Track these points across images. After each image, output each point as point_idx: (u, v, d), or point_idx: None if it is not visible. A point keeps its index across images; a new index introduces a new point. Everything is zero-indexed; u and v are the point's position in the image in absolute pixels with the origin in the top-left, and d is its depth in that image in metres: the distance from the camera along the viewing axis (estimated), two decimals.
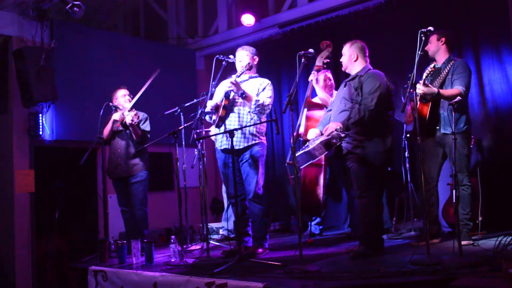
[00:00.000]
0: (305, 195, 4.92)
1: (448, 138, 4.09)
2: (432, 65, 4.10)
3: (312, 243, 4.85)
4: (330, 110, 4.28)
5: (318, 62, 5.25)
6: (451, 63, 4.21)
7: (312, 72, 5.27)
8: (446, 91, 4.08)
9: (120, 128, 5.07)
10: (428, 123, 4.18)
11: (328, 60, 5.33)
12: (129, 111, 4.99)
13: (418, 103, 4.11)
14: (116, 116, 5.02)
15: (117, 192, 5.19)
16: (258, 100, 4.22)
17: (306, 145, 3.99)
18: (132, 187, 5.06)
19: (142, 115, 5.14)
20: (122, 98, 5.16)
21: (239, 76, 4.26)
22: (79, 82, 6.23)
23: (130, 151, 5.06)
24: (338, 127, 3.71)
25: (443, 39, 4.28)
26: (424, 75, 4.09)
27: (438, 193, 4.36)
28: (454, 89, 4.08)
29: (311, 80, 5.23)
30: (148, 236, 4.98)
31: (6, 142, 5.94)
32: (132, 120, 4.81)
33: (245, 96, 4.20)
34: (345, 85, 4.11)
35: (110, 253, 4.67)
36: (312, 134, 4.10)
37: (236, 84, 4.17)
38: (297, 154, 3.74)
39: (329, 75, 5.35)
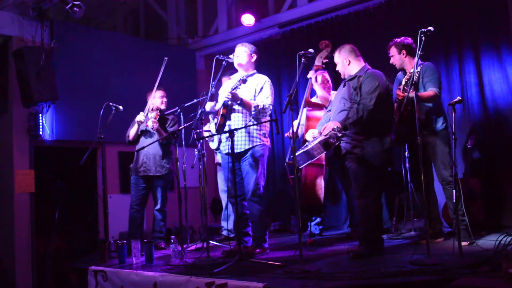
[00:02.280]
0: (306, 195, 4.91)
1: (427, 138, 4.20)
2: (411, 70, 4.14)
3: (312, 243, 4.85)
4: (330, 110, 4.28)
5: (317, 62, 5.25)
6: (419, 68, 4.26)
7: (311, 71, 5.27)
8: (423, 94, 4.15)
9: (149, 128, 5.12)
10: (411, 127, 4.22)
11: (327, 60, 5.33)
12: (152, 109, 5.11)
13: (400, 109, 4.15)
14: (140, 117, 5.07)
15: (134, 189, 5.22)
16: (258, 105, 4.22)
17: (305, 145, 4.00)
18: (155, 189, 5.20)
19: (171, 118, 5.30)
20: (159, 99, 5.27)
21: (234, 88, 4.25)
22: (79, 82, 6.23)
23: (158, 151, 5.13)
24: (336, 127, 3.71)
25: (404, 51, 4.36)
26: (403, 81, 4.19)
27: (435, 192, 4.37)
28: (429, 91, 4.15)
29: (310, 78, 5.22)
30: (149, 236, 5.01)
31: (6, 142, 5.94)
32: (152, 127, 4.93)
33: (243, 104, 4.22)
34: (344, 85, 4.12)
35: (110, 253, 4.67)
36: (310, 134, 4.11)
37: (233, 95, 4.18)
38: (296, 154, 3.74)
39: (327, 76, 5.36)
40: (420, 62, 4.36)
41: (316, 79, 5.26)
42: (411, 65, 4.34)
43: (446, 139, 4.25)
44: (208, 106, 4.40)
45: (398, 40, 4.44)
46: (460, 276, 2.85)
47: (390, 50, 4.47)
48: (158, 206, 5.20)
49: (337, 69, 4.19)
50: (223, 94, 4.33)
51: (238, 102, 4.20)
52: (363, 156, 3.83)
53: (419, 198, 4.90)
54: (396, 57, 4.43)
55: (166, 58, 5.00)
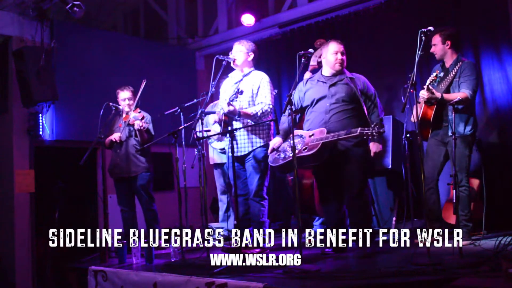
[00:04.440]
0: (301, 195, 4.91)
1: (449, 138, 4.11)
2: (434, 74, 4.09)
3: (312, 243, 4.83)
4: (300, 108, 4.23)
5: (313, 61, 5.22)
6: (458, 65, 4.17)
7: (307, 72, 5.25)
8: (451, 96, 4.05)
9: (123, 137, 5.09)
10: (432, 125, 4.19)
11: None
12: (133, 110, 5.06)
13: (423, 105, 4.11)
14: (115, 136, 5.08)
15: (117, 192, 5.23)
16: (257, 113, 4.21)
17: (302, 146, 3.94)
18: (136, 190, 5.13)
19: (146, 117, 5.16)
20: (123, 102, 5.19)
21: (232, 100, 4.23)
22: (79, 82, 6.22)
23: (131, 150, 5.08)
24: (374, 124, 3.71)
25: (449, 42, 4.23)
26: (428, 81, 4.05)
27: (438, 192, 4.35)
28: (460, 93, 4.05)
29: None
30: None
31: (6, 142, 5.94)
32: (141, 126, 4.84)
33: (242, 116, 4.23)
34: (332, 85, 4.04)
35: (110, 253, 4.67)
36: (276, 141, 4.09)
37: (232, 112, 4.18)
38: (284, 162, 3.80)
39: None
40: (461, 58, 4.28)
41: None
42: (452, 59, 4.25)
43: (469, 143, 4.16)
44: (210, 106, 4.43)
45: (443, 28, 4.28)
46: (460, 276, 2.85)
47: (434, 38, 4.27)
48: (143, 207, 5.16)
49: (343, 57, 4.08)
50: (223, 99, 4.33)
51: (237, 115, 4.22)
52: (363, 154, 3.89)
53: (419, 198, 4.91)
54: (438, 47, 4.27)
55: (145, 80, 5.03)
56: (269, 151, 4.14)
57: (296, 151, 3.71)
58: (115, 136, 5.08)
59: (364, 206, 3.94)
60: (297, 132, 4.01)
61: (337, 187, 4.05)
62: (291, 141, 3.63)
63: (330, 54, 4.08)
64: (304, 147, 3.88)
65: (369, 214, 4.00)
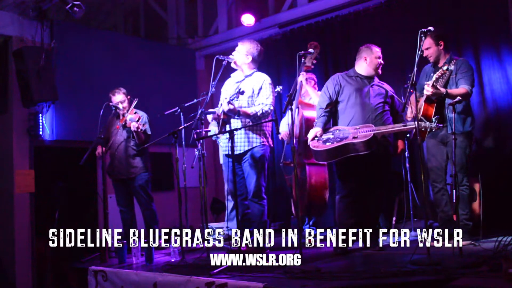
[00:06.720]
0: (311, 194, 4.89)
1: (450, 137, 4.11)
2: (445, 68, 4.06)
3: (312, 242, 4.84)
4: (334, 101, 4.24)
5: (308, 63, 5.25)
6: (453, 63, 4.19)
7: (301, 73, 5.25)
8: (454, 91, 4.07)
9: (133, 129, 5.00)
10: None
11: (315, 61, 5.33)
12: (128, 112, 5.03)
13: (423, 103, 4.11)
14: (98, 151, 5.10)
15: (116, 192, 5.23)
16: (256, 113, 4.20)
17: (342, 135, 4.00)
18: (134, 190, 5.11)
19: (142, 118, 5.13)
20: (120, 105, 5.13)
21: (232, 99, 4.23)
22: (79, 82, 6.22)
23: (130, 152, 5.07)
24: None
25: (442, 43, 4.24)
26: (435, 77, 4.04)
27: (448, 192, 4.33)
28: (461, 88, 4.08)
29: (301, 81, 5.21)
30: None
31: (6, 142, 5.94)
32: (137, 128, 4.81)
33: (242, 116, 4.23)
34: (371, 86, 4.19)
35: (110, 253, 4.67)
36: (318, 130, 4.14)
37: (232, 111, 4.17)
38: (320, 149, 3.89)
39: (314, 77, 5.43)
40: (453, 56, 4.29)
41: (307, 80, 5.28)
42: (445, 58, 4.25)
43: (469, 141, 4.18)
44: (210, 118, 4.45)
45: (432, 29, 4.06)
46: (460, 276, 2.85)
47: (424, 41, 4.12)
48: (142, 208, 5.16)
49: (382, 63, 4.25)
50: (224, 98, 4.32)
51: (237, 115, 4.20)
52: (390, 156, 4.24)
53: (419, 198, 4.91)
54: (433, 49, 4.25)
55: (136, 99, 5.08)
56: (310, 138, 4.16)
57: (344, 141, 3.92)
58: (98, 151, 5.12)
59: (380, 201, 4.20)
60: (337, 127, 4.16)
61: (361, 184, 4.14)
62: (337, 132, 4.01)
63: (375, 58, 4.20)
64: (354, 136, 3.95)
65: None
